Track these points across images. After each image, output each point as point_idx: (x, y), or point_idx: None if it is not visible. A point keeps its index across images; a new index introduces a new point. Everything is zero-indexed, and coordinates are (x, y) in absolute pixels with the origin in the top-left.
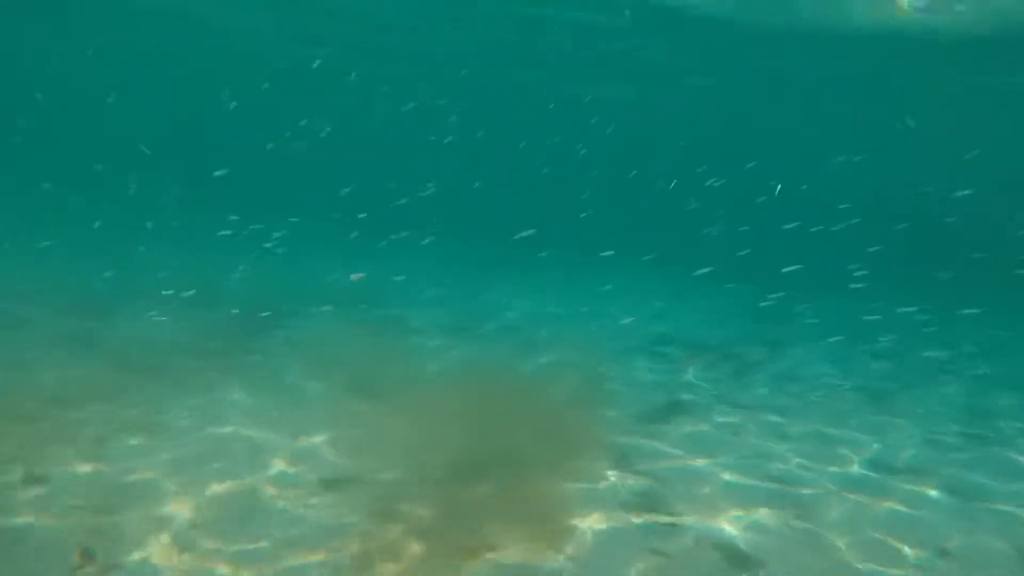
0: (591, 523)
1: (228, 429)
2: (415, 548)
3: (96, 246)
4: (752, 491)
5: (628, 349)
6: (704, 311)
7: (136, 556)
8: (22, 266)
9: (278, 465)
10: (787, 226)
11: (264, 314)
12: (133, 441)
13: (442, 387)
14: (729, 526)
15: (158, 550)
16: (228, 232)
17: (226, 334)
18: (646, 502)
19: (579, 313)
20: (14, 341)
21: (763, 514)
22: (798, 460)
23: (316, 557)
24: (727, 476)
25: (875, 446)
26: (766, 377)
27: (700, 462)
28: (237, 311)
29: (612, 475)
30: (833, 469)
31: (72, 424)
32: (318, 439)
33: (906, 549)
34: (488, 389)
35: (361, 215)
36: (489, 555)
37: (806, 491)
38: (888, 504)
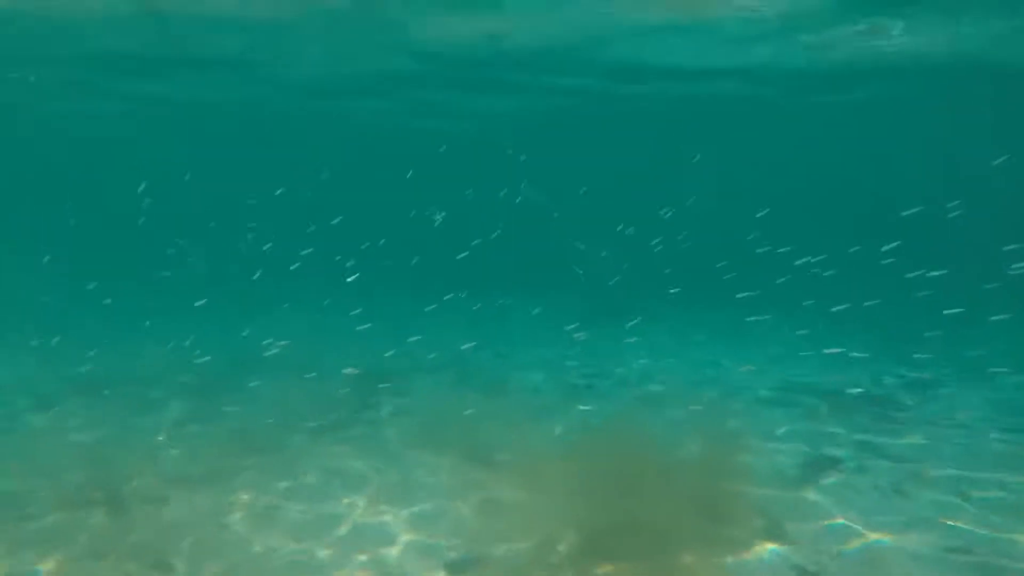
0: None
1: (347, 502)
2: None
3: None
4: (935, 562)
5: (757, 400)
6: (823, 355)
7: None
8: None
9: (402, 543)
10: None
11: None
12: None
13: (565, 450)
14: None
15: None
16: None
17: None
18: None
19: (686, 364)
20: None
21: None
22: (982, 522)
23: None
24: (901, 545)
25: None
26: (920, 423)
27: (864, 527)
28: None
29: (767, 545)
30: None
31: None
32: (441, 512)
33: None
34: (615, 450)
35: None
36: None
37: (1004, 563)
38: None
